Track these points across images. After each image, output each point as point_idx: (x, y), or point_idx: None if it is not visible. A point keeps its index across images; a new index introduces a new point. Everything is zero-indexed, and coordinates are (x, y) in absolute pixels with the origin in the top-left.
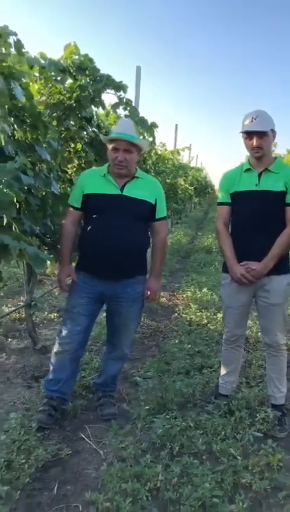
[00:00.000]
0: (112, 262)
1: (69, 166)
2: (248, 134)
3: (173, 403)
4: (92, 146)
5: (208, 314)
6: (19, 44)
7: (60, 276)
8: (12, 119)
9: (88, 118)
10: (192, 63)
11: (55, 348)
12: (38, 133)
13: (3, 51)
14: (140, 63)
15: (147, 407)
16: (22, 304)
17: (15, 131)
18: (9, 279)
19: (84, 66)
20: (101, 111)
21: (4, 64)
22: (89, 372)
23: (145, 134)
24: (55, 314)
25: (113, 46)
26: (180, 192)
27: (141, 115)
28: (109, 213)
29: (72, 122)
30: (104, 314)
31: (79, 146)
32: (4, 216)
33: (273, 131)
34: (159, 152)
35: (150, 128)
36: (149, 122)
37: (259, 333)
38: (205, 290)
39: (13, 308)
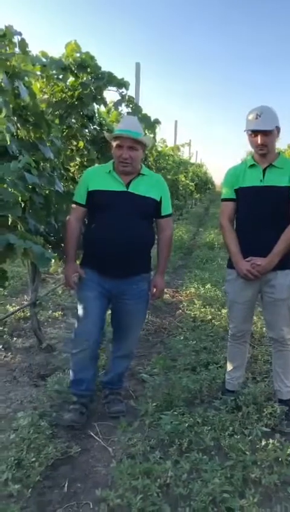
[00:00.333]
0: (117, 260)
1: (72, 164)
2: (253, 132)
3: (180, 399)
4: (94, 144)
5: (212, 310)
6: (23, 44)
7: (66, 273)
8: (15, 118)
9: (90, 115)
10: (192, 58)
11: (74, 349)
12: (41, 131)
13: (8, 50)
14: (139, 59)
15: (154, 404)
16: (25, 302)
17: (18, 131)
18: (13, 278)
19: (85, 64)
20: (103, 108)
21: (8, 63)
22: None
23: (147, 130)
24: (60, 313)
25: (111, 43)
26: (181, 188)
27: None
28: (114, 210)
29: (73, 120)
30: (109, 312)
31: (81, 144)
32: (9, 215)
33: (277, 127)
34: (160, 149)
35: (153, 125)
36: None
37: (264, 328)
38: (208, 286)
39: (17, 307)
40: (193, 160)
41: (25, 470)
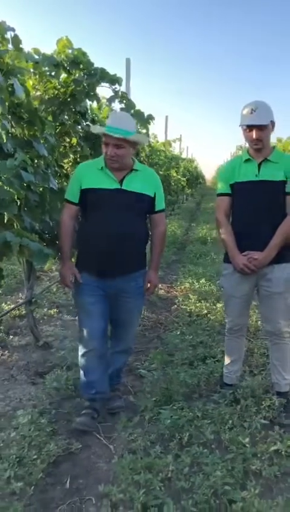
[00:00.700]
0: (115, 259)
1: (65, 161)
2: (248, 127)
3: (178, 393)
4: (87, 140)
5: (208, 304)
6: (16, 40)
7: (63, 273)
8: (9, 116)
9: (82, 112)
10: (183, 56)
11: (81, 351)
12: (35, 129)
13: (1, 47)
14: (128, 55)
15: (153, 399)
16: (20, 300)
17: (13, 128)
18: (7, 276)
19: (78, 60)
20: (95, 105)
21: (2, 60)
22: None
23: (139, 126)
24: (55, 310)
25: (100, 39)
26: (173, 183)
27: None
28: (109, 208)
29: (66, 117)
30: None
31: (74, 141)
32: (5, 213)
33: (272, 122)
34: (151, 144)
35: (147, 121)
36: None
37: (259, 322)
38: (202, 280)
39: (13, 306)
40: (183, 156)
41: (27, 468)
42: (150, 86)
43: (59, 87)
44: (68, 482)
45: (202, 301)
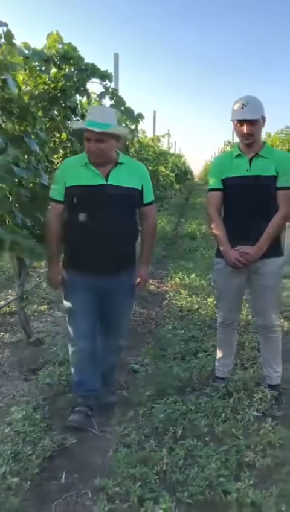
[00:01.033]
0: (105, 257)
1: (55, 156)
2: (239, 122)
3: (171, 388)
4: (77, 135)
5: (198, 299)
6: (9, 35)
7: (50, 275)
8: (0, 111)
9: (72, 107)
10: (172, 51)
11: (70, 350)
12: (26, 124)
13: None
14: (116, 48)
15: (146, 394)
16: (10, 297)
17: (4, 124)
18: None
19: (68, 55)
20: (85, 100)
21: None
22: None
23: (129, 123)
24: (46, 306)
25: (88, 33)
26: (161, 179)
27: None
28: (96, 205)
29: (56, 112)
30: None
31: (64, 136)
32: None
33: (263, 117)
34: (140, 140)
35: (136, 119)
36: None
37: (249, 316)
38: (193, 275)
39: (3, 302)
40: (171, 151)
41: (22, 463)
42: (138, 81)
43: (49, 82)
44: (64, 476)
45: (193, 296)
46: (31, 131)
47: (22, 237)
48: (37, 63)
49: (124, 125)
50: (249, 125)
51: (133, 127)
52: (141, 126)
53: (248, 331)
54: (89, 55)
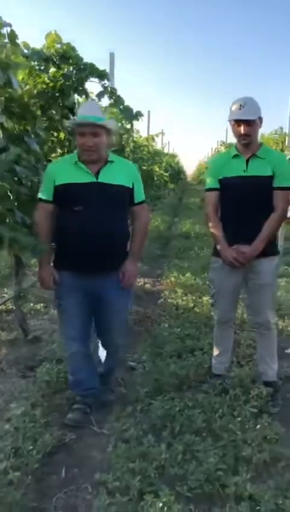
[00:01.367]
0: (95, 256)
1: (53, 155)
2: (236, 122)
3: (169, 384)
4: (75, 135)
5: (194, 298)
6: (12, 35)
7: (42, 276)
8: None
9: (70, 106)
10: (165, 48)
11: (64, 351)
12: (25, 123)
13: None
14: (110, 48)
15: (144, 390)
16: (6, 296)
17: (5, 123)
18: None
19: (67, 55)
20: (83, 99)
21: None
22: None
23: (124, 122)
24: (42, 305)
25: (82, 31)
26: (156, 178)
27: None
28: (86, 203)
29: (54, 111)
30: None
31: (62, 135)
32: None
33: (260, 118)
34: (135, 139)
35: (135, 117)
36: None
37: (245, 314)
38: (188, 274)
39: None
40: (165, 151)
41: (23, 458)
42: (132, 78)
43: (48, 81)
44: (64, 471)
45: (188, 295)
46: (30, 131)
47: (23, 235)
48: (36, 63)
49: (119, 124)
50: (246, 126)
51: (128, 126)
52: (135, 126)
53: (243, 328)
54: (83, 53)
